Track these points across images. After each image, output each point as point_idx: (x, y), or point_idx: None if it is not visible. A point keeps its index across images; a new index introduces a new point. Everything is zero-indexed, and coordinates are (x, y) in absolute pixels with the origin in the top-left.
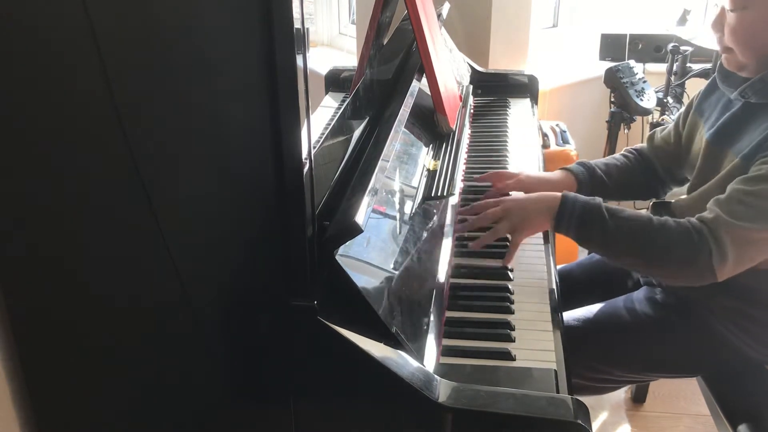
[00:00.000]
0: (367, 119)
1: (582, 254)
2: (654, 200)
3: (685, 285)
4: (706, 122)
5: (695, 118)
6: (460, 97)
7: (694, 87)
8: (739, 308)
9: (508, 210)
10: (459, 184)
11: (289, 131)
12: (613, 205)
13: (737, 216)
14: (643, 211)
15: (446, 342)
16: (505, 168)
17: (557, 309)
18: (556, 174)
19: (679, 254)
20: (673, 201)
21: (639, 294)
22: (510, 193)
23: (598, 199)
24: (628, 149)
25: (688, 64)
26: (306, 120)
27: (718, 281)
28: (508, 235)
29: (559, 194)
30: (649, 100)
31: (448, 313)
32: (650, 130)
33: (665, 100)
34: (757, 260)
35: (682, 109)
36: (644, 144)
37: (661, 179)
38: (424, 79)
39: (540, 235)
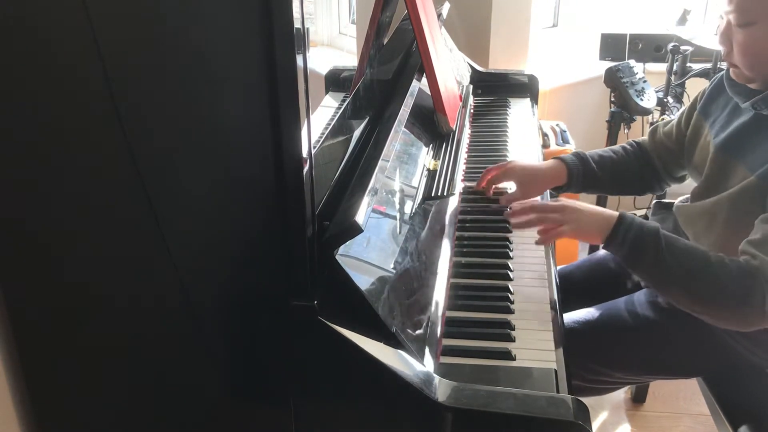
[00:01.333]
0: (367, 119)
1: (582, 255)
2: (656, 200)
3: (733, 328)
4: (712, 126)
5: (700, 119)
6: (460, 97)
7: (694, 87)
8: None
9: (569, 216)
10: (459, 184)
11: (289, 131)
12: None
13: None
14: (699, 247)
15: (446, 342)
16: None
17: (557, 309)
18: (547, 163)
19: (733, 295)
20: (675, 202)
21: (640, 296)
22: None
23: (656, 225)
24: (629, 141)
25: (688, 64)
26: (306, 120)
27: (765, 326)
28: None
29: (616, 213)
30: (649, 100)
31: (448, 313)
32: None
33: (665, 100)
34: None
35: (685, 107)
36: (646, 138)
37: (658, 175)
38: (424, 79)
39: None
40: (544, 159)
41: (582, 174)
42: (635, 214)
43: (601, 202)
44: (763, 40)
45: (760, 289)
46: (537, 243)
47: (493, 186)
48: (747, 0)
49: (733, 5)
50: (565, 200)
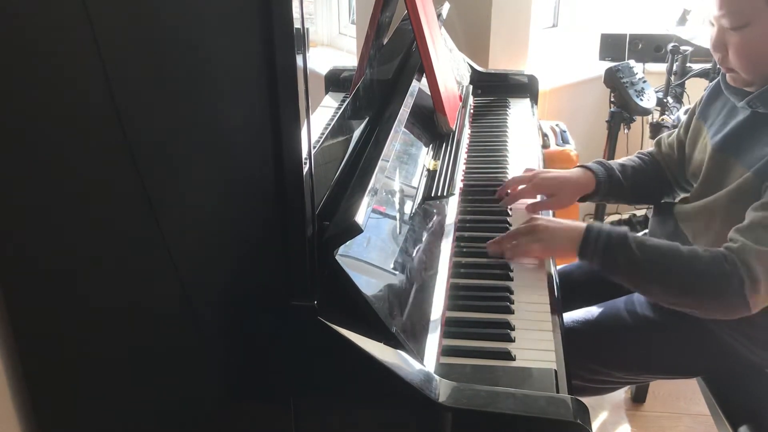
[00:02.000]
0: (367, 119)
1: None
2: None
3: (718, 317)
4: (710, 127)
5: (699, 123)
6: (460, 97)
7: (694, 87)
8: None
9: (538, 232)
10: (459, 184)
11: (289, 131)
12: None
13: (764, 242)
14: (670, 242)
15: (446, 342)
16: (505, 169)
17: (557, 308)
18: (574, 172)
19: (711, 283)
20: (675, 202)
21: (639, 296)
22: (539, 213)
23: (624, 228)
24: (640, 152)
25: (688, 64)
26: (306, 120)
27: (751, 312)
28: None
29: (583, 225)
30: (649, 100)
31: (448, 313)
32: (650, 130)
33: (665, 100)
34: None
35: (685, 116)
36: (653, 148)
37: (670, 184)
38: (424, 79)
39: None
40: (544, 159)
41: (608, 183)
42: (634, 215)
43: (599, 208)
44: (758, 40)
45: (737, 273)
46: (488, 247)
47: (514, 197)
48: (738, 2)
49: (724, 9)
50: (535, 217)
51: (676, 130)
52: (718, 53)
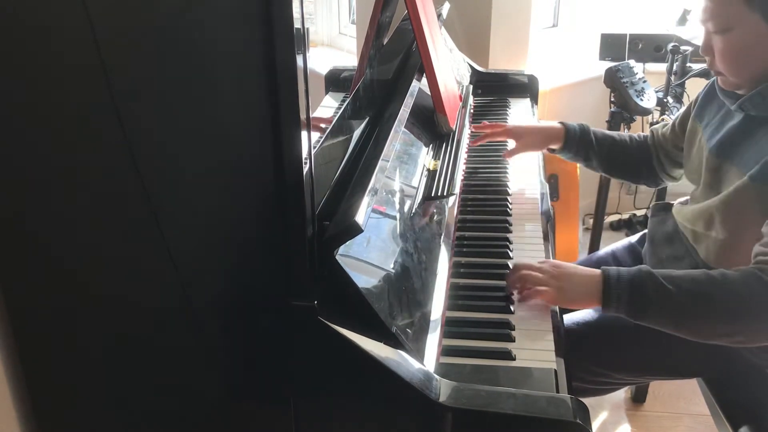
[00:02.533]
0: (367, 119)
1: (582, 254)
2: (655, 202)
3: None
4: (705, 129)
5: (695, 124)
6: (460, 97)
7: (694, 87)
8: None
9: (551, 278)
10: (459, 184)
11: (289, 131)
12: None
13: None
14: (696, 270)
15: (446, 342)
16: (505, 169)
17: (557, 309)
18: (548, 123)
19: (759, 302)
20: (674, 203)
21: None
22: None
23: (646, 267)
24: (637, 134)
25: (688, 64)
26: (306, 120)
27: None
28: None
29: (599, 272)
30: (649, 100)
31: (448, 313)
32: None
33: (665, 100)
34: None
35: (681, 110)
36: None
37: (655, 171)
38: (424, 79)
39: (540, 234)
40: (544, 159)
41: (578, 141)
42: (635, 215)
43: (600, 200)
44: (740, 45)
45: None
46: (518, 300)
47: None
48: (721, 6)
49: (708, 13)
50: (549, 261)
51: (671, 122)
52: (707, 56)
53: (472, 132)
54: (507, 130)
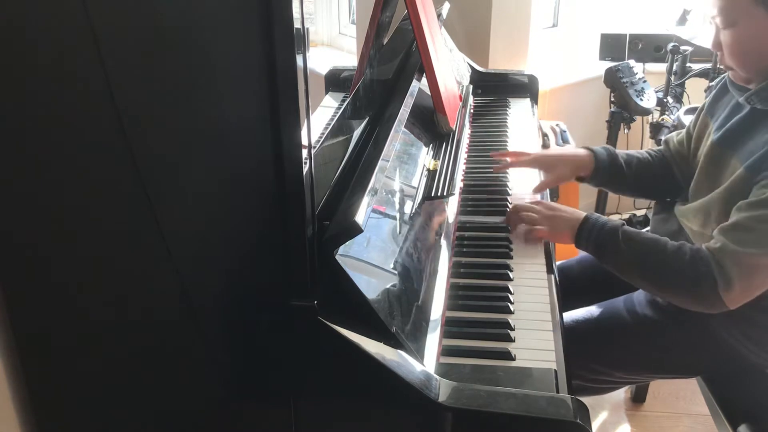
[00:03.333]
0: (367, 119)
1: (582, 252)
2: (656, 201)
3: (696, 308)
4: (715, 123)
5: (706, 119)
6: (460, 97)
7: (694, 87)
8: (740, 311)
9: (544, 218)
10: (459, 184)
11: (289, 131)
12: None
13: (743, 243)
14: (659, 238)
15: (446, 342)
16: (506, 171)
17: (557, 308)
18: (577, 150)
19: (686, 282)
20: (676, 201)
21: (639, 295)
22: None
23: (618, 222)
24: (650, 149)
25: (688, 64)
26: (306, 120)
27: (730, 308)
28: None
29: (583, 214)
30: (649, 100)
31: (448, 313)
32: (650, 130)
33: (665, 100)
34: None
35: (693, 117)
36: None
37: (678, 182)
38: (424, 79)
39: None
40: None
41: (608, 167)
42: (635, 215)
43: (600, 200)
44: (746, 39)
45: (710, 275)
46: (526, 242)
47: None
48: (727, 2)
49: (716, 8)
50: (544, 203)
51: (685, 129)
52: (717, 51)
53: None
54: (534, 160)
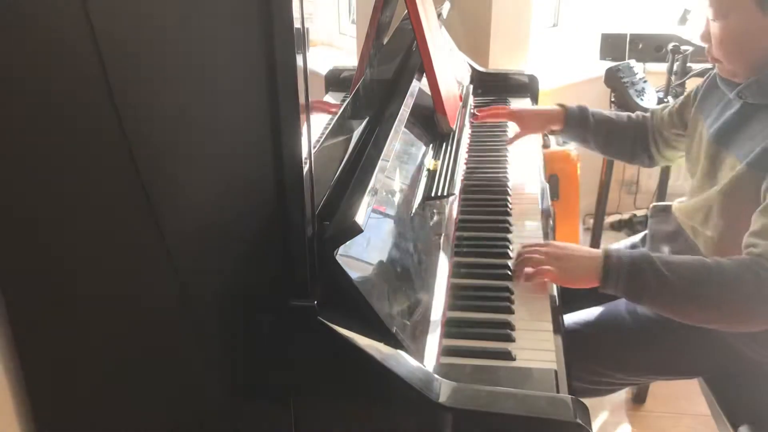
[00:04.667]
0: (367, 119)
1: None
2: (654, 203)
3: (758, 327)
4: (707, 119)
5: (696, 116)
6: (460, 97)
7: (694, 86)
8: None
9: (554, 259)
10: (459, 184)
11: (289, 131)
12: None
13: None
14: (693, 257)
15: (446, 342)
16: (505, 169)
17: (557, 309)
18: (549, 106)
19: (747, 289)
20: (674, 203)
21: None
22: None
23: (644, 250)
24: (636, 113)
25: (689, 64)
26: (306, 120)
27: None
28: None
29: (600, 251)
30: (649, 100)
31: (448, 313)
32: None
33: (665, 100)
34: None
35: (681, 98)
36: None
37: (650, 151)
38: (424, 79)
39: (540, 234)
40: (544, 159)
41: (578, 123)
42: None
43: (600, 200)
44: (736, 32)
45: (766, 275)
46: (525, 280)
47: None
48: None
49: (708, 0)
50: (554, 243)
51: (670, 106)
52: (706, 43)
53: (472, 121)
54: (510, 113)
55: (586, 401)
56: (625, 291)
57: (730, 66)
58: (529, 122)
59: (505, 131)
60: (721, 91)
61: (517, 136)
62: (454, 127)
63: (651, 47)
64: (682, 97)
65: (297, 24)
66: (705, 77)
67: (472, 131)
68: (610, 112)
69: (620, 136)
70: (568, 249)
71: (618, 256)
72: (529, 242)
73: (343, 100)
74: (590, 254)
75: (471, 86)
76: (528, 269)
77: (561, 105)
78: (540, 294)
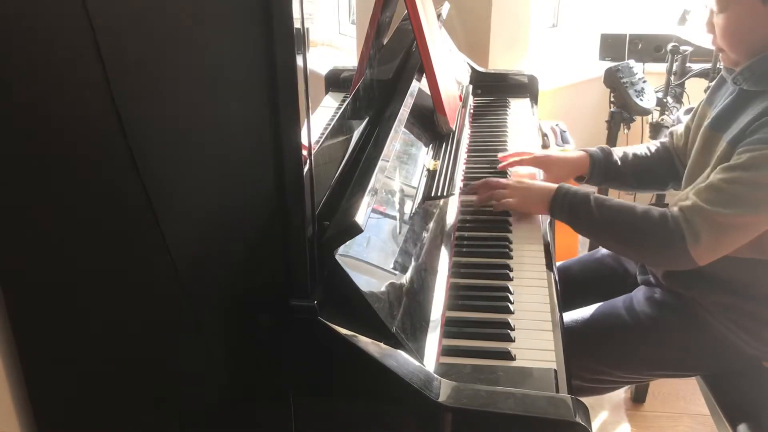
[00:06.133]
0: (367, 119)
1: (582, 252)
2: (651, 204)
3: (668, 268)
4: (714, 111)
5: (705, 108)
6: (460, 97)
7: (694, 87)
8: (736, 305)
9: (515, 191)
10: (459, 184)
11: (289, 131)
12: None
13: (713, 202)
14: (628, 203)
15: (446, 342)
16: (505, 171)
17: (557, 308)
18: (573, 153)
19: (655, 239)
20: (665, 193)
21: (638, 294)
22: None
23: (589, 191)
24: (653, 142)
25: (688, 64)
26: (306, 120)
27: (699, 265)
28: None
29: (555, 185)
30: (648, 100)
31: (448, 313)
32: (650, 130)
33: (665, 100)
34: (736, 245)
35: (696, 105)
36: (666, 139)
37: (676, 172)
38: (424, 79)
39: (540, 235)
40: None
41: (604, 166)
42: None
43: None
44: (737, 23)
45: (679, 231)
46: (475, 203)
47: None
48: None
49: None
50: (515, 178)
51: (686, 120)
52: (710, 33)
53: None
54: (535, 159)
55: (586, 400)
56: (566, 220)
57: (733, 55)
58: (553, 169)
59: (505, 131)
60: (728, 84)
61: (515, 162)
62: (453, 127)
63: (650, 47)
64: (694, 109)
65: (297, 24)
66: (717, 74)
67: (472, 131)
68: (631, 148)
69: (649, 169)
70: (529, 182)
71: (566, 190)
72: (496, 178)
73: (343, 100)
74: (546, 187)
75: (471, 86)
76: (493, 202)
77: (584, 150)
78: (539, 282)
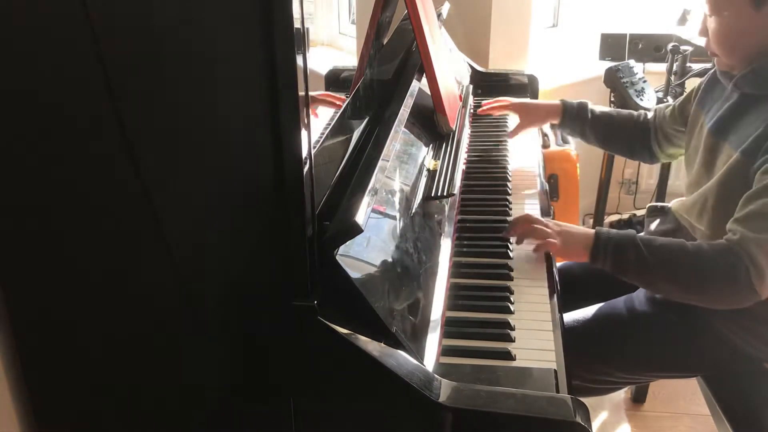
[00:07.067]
0: (367, 119)
1: None
2: (651, 204)
3: (729, 307)
4: (707, 114)
5: (697, 111)
6: (460, 97)
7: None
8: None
9: (558, 234)
10: (459, 184)
11: (289, 131)
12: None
13: (761, 230)
14: (676, 240)
15: (446, 342)
16: (505, 169)
17: (557, 309)
18: (548, 101)
19: (719, 276)
20: (670, 204)
21: (639, 294)
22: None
23: (632, 231)
24: (639, 112)
25: (688, 64)
26: (306, 120)
27: (762, 298)
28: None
29: (592, 231)
30: (649, 100)
31: (448, 313)
32: None
33: (665, 100)
34: None
35: (683, 96)
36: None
37: (649, 146)
38: (424, 79)
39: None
40: (544, 159)
41: (575, 116)
42: (635, 215)
43: (600, 200)
44: (731, 27)
45: (742, 263)
46: (534, 251)
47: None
48: None
49: None
50: (552, 222)
51: (673, 104)
52: (704, 37)
53: (473, 118)
54: (512, 104)
55: (586, 401)
56: (611, 268)
57: (727, 59)
58: (529, 114)
59: (505, 131)
60: (721, 86)
61: (518, 128)
62: (454, 127)
63: (650, 47)
64: (683, 97)
65: (297, 24)
66: (707, 74)
67: (472, 131)
68: (613, 109)
69: (619, 131)
70: (567, 226)
71: (607, 236)
72: (534, 215)
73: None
74: (585, 233)
75: (471, 86)
76: (537, 241)
77: (561, 100)
78: (540, 282)
